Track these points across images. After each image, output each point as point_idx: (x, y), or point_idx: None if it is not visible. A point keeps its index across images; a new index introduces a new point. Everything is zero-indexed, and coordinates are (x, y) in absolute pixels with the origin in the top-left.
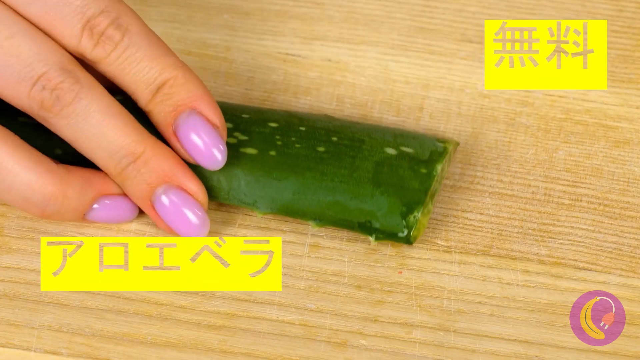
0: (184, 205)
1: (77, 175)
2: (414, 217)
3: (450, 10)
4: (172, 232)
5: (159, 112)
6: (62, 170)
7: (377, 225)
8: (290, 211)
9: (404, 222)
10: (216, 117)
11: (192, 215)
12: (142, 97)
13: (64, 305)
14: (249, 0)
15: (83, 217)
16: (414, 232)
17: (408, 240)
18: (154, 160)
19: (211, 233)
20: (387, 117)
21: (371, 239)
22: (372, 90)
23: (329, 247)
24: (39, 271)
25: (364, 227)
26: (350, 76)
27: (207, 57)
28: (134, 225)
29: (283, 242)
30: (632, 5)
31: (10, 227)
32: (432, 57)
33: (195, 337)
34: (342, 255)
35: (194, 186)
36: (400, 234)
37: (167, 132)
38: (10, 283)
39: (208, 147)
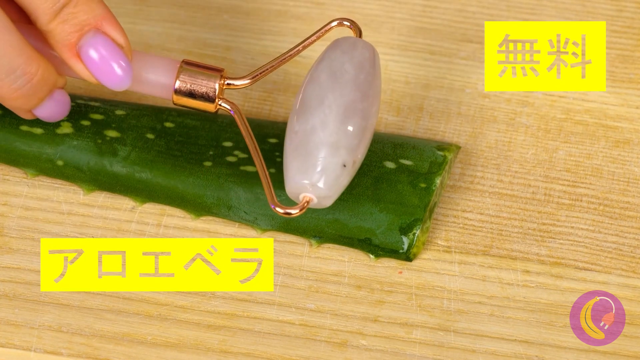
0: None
1: (45, 60)
2: (414, 234)
3: (450, 10)
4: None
5: (62, 32)
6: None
7: (376, 242)
8: (290, 228)
9: (403, 239)
10: (121, 38)
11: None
12: (45, 15)
13: (64, 305)
14: (249, 0)
15: (30, 112)
16: (414, 249)
17: (408, 257)
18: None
19: (212, 233)
20: (387, 117)
21: (371, 256)
22: None
23: (329, 247)
24: (39, 271)
25: (364, 244)
26: None
27: (207, 57)
28: (134, 225)
29: (283, 242)
30: (632, 5)
31: (10, 227)
32: (432, 57)
33: (195, 337)
34: (342, 255)
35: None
36: (400, 251)
37: (69, 53)
38: (10, 283)
39: (109, 64)
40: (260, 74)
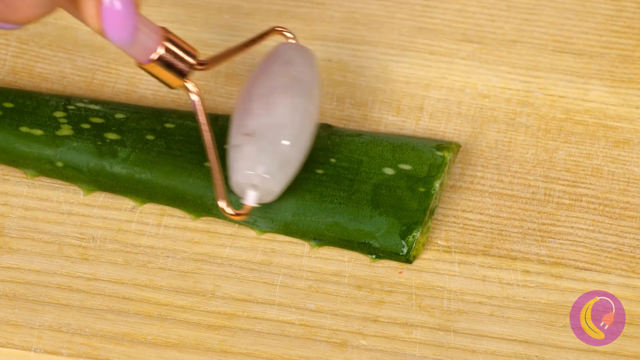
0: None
1: None
2: (413, 237)
3: (450, 10)
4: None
5: None
6: None
7: (376, 245)
8: (290, 231)
9: (403, 242)
10: None
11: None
12: None
13: (64, 305)
14: (249, 0)
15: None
16: (413, 251)
17: (407, 260)
18: None
19: (212, 233)
20: (387, 117)
21: (370, 257)
22: (372, 90)
23: (329, 247)
24: (39, 271)
25: (364, 247)
26: (350, 76)
27: (207, 57)
28: (134, 225)
29: (283, 242)
30: (632, 5)
31: (10, 227)
32: (432, 57)
33: (195, 337)
34: (342, 255)
35: None
36: (400, 254)
37: None
38: (10, 283)
39: (123, 17)
40: (217, 60)
